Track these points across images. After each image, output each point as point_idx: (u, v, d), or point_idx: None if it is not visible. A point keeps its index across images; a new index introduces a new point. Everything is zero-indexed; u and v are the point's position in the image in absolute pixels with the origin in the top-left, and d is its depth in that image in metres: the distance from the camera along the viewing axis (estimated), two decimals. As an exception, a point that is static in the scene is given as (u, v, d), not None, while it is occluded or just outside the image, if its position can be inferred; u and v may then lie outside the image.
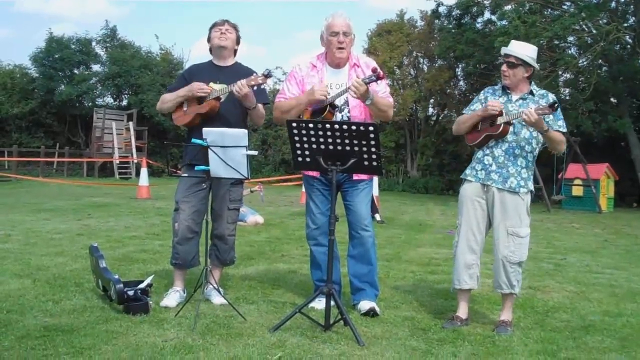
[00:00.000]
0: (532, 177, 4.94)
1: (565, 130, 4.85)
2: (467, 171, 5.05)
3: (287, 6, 78.89)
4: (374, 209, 12.99)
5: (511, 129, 4.80)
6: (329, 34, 5.13)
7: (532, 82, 4.99)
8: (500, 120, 4.75)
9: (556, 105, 4.58)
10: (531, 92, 4.91)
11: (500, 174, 4.83)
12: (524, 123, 4.70)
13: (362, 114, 5.15)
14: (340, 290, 5.39)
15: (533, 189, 4.95)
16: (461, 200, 5.03)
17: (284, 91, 5.32)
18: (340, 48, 5.12)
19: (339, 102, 5.12)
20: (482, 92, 5.15)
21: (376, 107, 5.04)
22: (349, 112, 5.16)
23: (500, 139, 4.82)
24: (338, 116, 5.13)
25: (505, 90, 4.96)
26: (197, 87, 5.11)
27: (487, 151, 4.91)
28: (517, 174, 4.83)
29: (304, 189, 5.69)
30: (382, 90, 5.17)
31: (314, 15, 78.97)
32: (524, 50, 4.86)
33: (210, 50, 5.43)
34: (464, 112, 5.16)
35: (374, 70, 4.92)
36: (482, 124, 4.90)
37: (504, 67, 4.89)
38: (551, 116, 4.73)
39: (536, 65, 4.90)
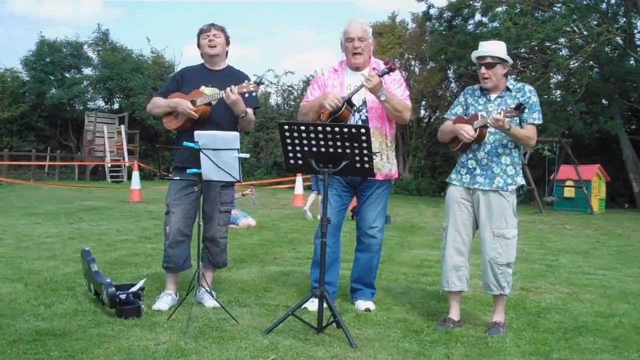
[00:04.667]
0: (520, 172, 4.91)
1: (539, 122, 4.81)
2: (452, 175, 5.06)
3: (279, 7, 78.91)
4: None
5: (491, 129, 4.81)
6: (345, 40, 5.29)
7: (508, 77, 4.97)
8: (475, 124, 4.76)
9: (522, 107, 4.58)
10: (508, 89, 4.90)
11: (486, 176, 4.83)
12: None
13: (380, 115, 5.23)
14: (335, 292, 5.42)
15: (524, 183, 4.91)
16: (447, 203, 5.04)
17: (308, 95, 5.47)
18: (355, 53, 5.26)
19: (357, 102, 5.21)
20: (462, 94, 5.16)
21: (391, 105, 5.11)
22: (367, 112, 5.25)
23: (479, 142, 4.83)
24: (356, 116, 5.23)
25: (483, 90, 4.96)
26: (186, 109, 5.09)
27: (470, 155, 4.91)
28: (503, 173, 4.82)
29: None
30: (400, 93, 5.27)
31: (307, 16, 78.99)
32: (496, 48, 4.86)
33: (201, 55, 5.42)
34: (445, 116, 5.18)
35: (386, 63, 5.11)
36: None
37: (482, 70, 4.85)
38: (526, 109, 4.73)
39: (510, 60, 4.89)
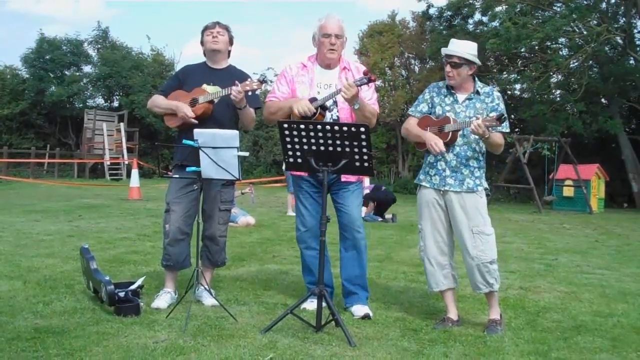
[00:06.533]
0: (484, 175, 4.94)
1: (508, 130, 4.85)
2: (421, 176, 5.04)
3: (280, 6, 78.88)
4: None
5: (460, 132, 4.80)
6: (322, 35, 5.15)
7: (477, 79, 4.96)
8: (448, 128, 4.75)
9: (503, 117, 4.57)
10: (477, 92, 4.89)
11: (456, 178, 4.83)
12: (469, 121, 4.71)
13: (350, 115, 5.13)
14: (332, 292, 5.40)
15: (487, 187, 4.95)
16: (420, 205, 5.02)
17: (274, 90, 5.34)
18: (331, 50, 5.14)
19: (328, 102, 5.12)
20: (427, 90, 5.10)
21: (362, 112, 5.02)
22: (337, 112, 5.17)
23: (450, 144, 4.81)
24: (327, 116, 5.14)
25: (450, 90, 4.94)
26: (184, 114, 5.09)
27: (439, 156, 4.89)
28: (471, 174, 4.84)
29: (292, 190, 5.68)
30: (369, 97, 5.18)
31: (308, 15, 78.99)
32: (465, 48, 4.82)
33: (204, 52, 5.42)
34: (410, 112, 5.13)
35: (365, 73, 4.93)
36: (430, 129, 4.89)
37: (447, 68, 4.83)
38: (494, 115, 4.70)
39: (478, 62, 4.86)
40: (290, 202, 14.52)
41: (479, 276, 4.81)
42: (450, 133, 4.75)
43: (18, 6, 64.01)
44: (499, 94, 4.97)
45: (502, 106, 4.86)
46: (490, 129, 4.61)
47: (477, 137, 4.72)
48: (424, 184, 5.00)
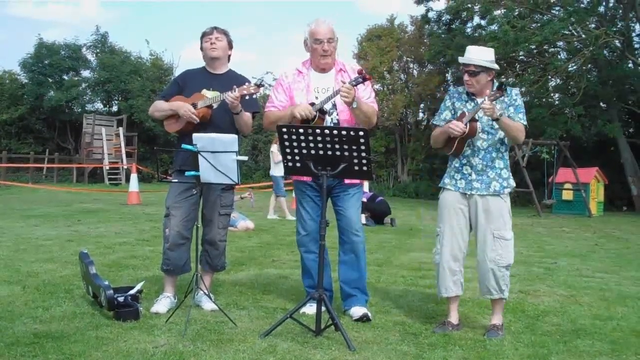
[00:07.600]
0: (510, 173, 4.93)
1: (524, 123, 4.83)
2: (446, 180, 5.02)
3: (278, 9, 78.92)
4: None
5: (483, 135, 4.81)
6: (313, 41, 5.14)
7: (495, 82, 4.96)
8: (464, 120, 4.76)
9: (504, 86, 4.60)
10: None
11: (482, 181, 4.83)
12: (492, 123, 4.75)
13: (351, 117, 5.14)
14: (331, 296, 5.39)
15: (514, 184, 4.94)
16: (442, 208, 5.00)
17: (272, 100, 5.31)
18: (324, 55, 5.14)
19: (327, 106, 5.11)
20: (447, 97, 5.11)
21: (361, 112, 5.01)
22: (337, 115, 5.16)
23: (471, 137, 4.80)
24: (327, 120, 5.13)
25: (471, 95, 4.94)
26: (188, 112, 5.08)
27: (464, 160, 4.89)
28: (498, 176, 4.83)
29: (294, 195, 5.67)
30: (366, 96, 5.17)
31: (306, 18, 78.74)
32: (481, 55, 4.83)
33: (204, 58, 5.42)
34: (434, 122, 5.13)
35: (359, 72, 4.95)
36: None
37: (466, 77, 4.85)
38: (512, 110, 4.76)
39: (496, 67, 4.87)
40: (273, 204, 14.81)
41: (493, 281, 4.80)
42: (467, 124, 4.74)
43: (17, 11, 64.09)
44: (517, 90, 4.97)
45: (519, 101, 4.85)
46: (495, 102, 4.62)
47: (501, 133, 4.77)
48: (448, 187, 4.98)
